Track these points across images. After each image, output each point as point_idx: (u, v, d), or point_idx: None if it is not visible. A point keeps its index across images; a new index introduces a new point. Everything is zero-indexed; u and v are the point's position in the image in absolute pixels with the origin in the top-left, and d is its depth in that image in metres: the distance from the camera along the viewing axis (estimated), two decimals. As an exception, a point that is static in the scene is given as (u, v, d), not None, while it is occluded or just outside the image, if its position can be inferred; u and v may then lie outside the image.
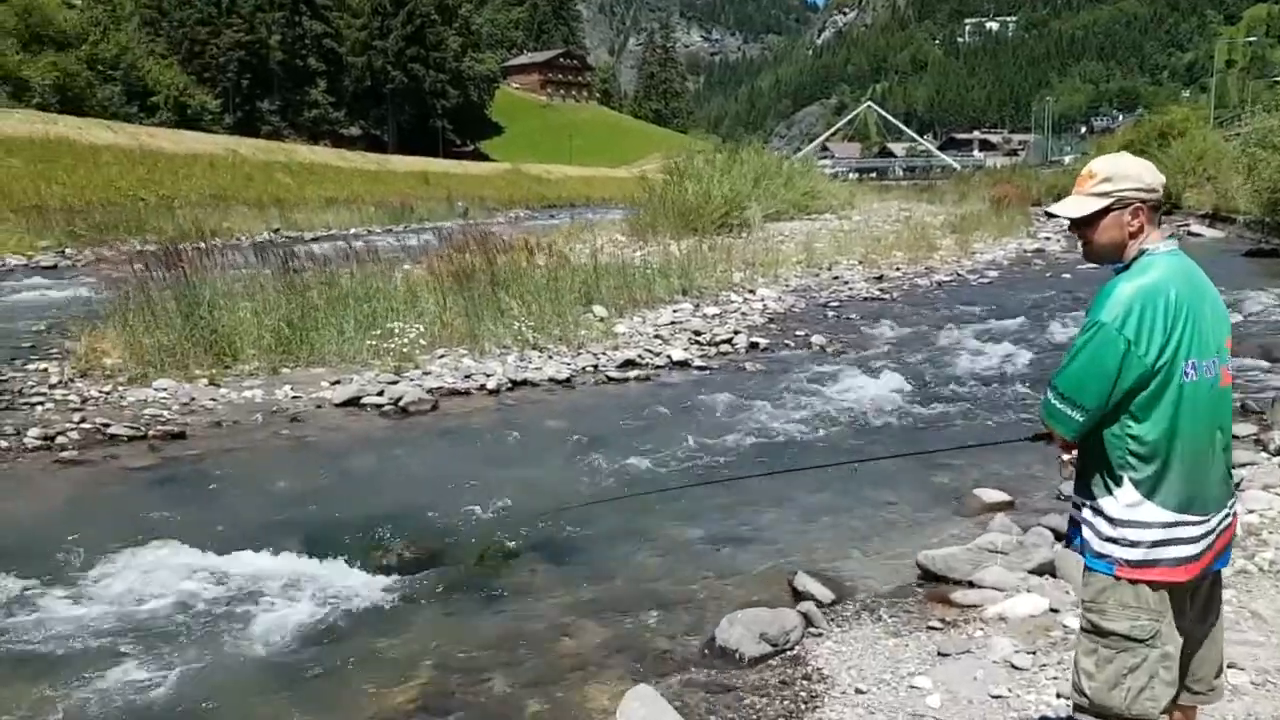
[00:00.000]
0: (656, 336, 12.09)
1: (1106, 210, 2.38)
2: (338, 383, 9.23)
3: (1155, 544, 2.31)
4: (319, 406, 8.68)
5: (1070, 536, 2.51)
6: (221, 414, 8.37)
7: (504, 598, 4.91)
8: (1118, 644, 2.34)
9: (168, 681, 3.95)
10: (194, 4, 76.14)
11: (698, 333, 12.35)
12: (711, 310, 14.07)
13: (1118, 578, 2.33)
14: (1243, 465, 6.38)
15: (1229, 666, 3.62)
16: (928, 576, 4.97)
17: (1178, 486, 2.30)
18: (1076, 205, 2.43)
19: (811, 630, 4.36)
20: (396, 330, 10.22)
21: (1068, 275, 18.58)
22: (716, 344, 11.84)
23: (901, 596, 4.78)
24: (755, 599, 4.79)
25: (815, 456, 7.33)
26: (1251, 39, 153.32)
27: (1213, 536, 2.36)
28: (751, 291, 15.87)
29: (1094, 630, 2.38)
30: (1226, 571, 2.58)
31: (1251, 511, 5.41)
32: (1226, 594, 4.16)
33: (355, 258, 12.48)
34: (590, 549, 5.59)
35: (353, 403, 8.74)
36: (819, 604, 4.62)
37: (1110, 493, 2.34)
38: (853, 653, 4.12)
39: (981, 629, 4.26)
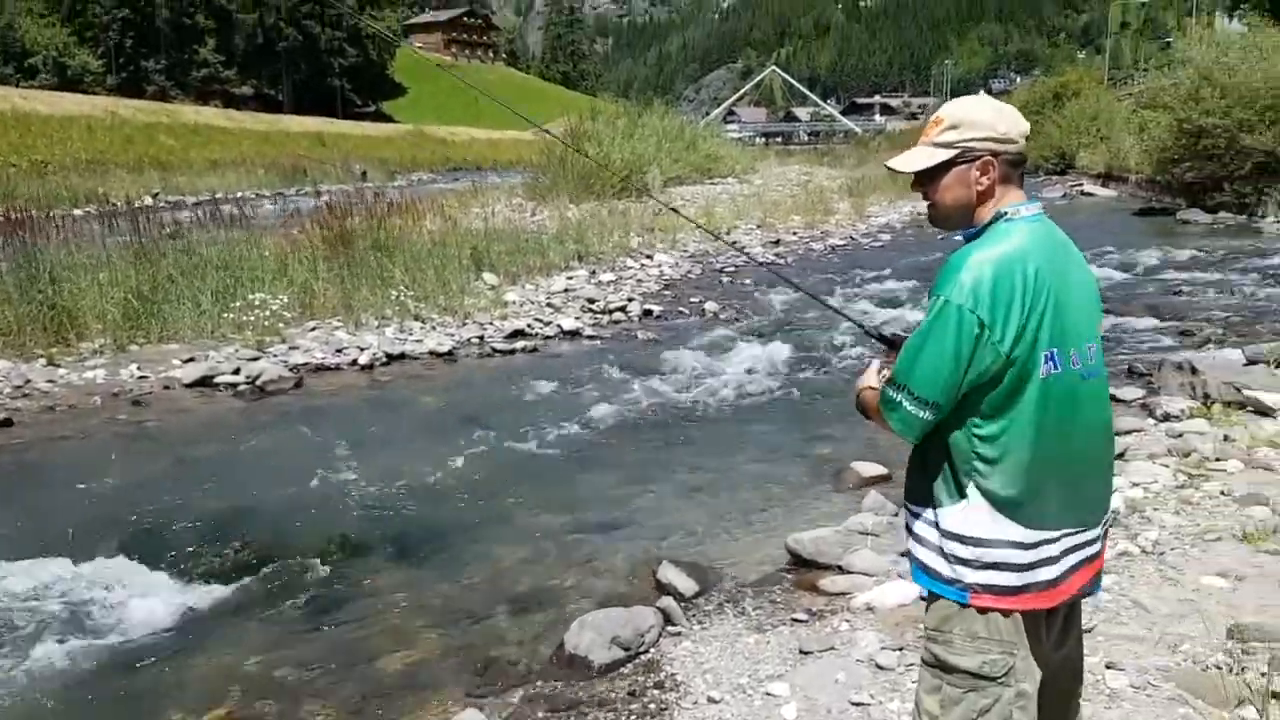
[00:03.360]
0: (548, 305, 11.71)
1: (950, 164, 2.00)
2: (190, 360, 8.55)
3: (1010, 566, 1.91)
4: (167, 387, 8.03)
5: (911, 556, 2.08)
6: (57, 397, 7.67)
7: (342, 603, 4.47)
8: (965, 682, 1.95)
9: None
10: (74, -40, 71.65)
11: (591, 300, 12.00)
12: (607, 277, 13.72)
13: (963, 605, 1.94)
14: (1128, 433, 6.14)
15: (1107, 667, 3.38)
16: (797, 561, 4.68)
17: (1039, 498, 1.90)
18: (916, 158, 2.04)
19: (670, 629, 4.03)
20: (258, 301, 9.55)
21: (959, 237, 18.62)
22: (610, 312, 11.55)
23: (769, 585, 4.47)
24: (618, 593, 4.47)
25: (695, 431, 7.03)
26: (1145, 1, 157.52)
27: (1080, 556, 1.98)
28: (649, 257, 15.58)
29: (937, 664, 1.99)
30: (1107, 554, 2.13)
31: (1136, 485, 5.12)
32: (1106, 580, 3.93)
33: (222, 223, 11.70)
34: (448, 541, 5.18)
35: (205, 382, 8.10)
36: (680, 598, 4.30)
37: (953, 504, 1.93)
38: (710, 654, 3.80)
39: (848, 621, 3.99)
